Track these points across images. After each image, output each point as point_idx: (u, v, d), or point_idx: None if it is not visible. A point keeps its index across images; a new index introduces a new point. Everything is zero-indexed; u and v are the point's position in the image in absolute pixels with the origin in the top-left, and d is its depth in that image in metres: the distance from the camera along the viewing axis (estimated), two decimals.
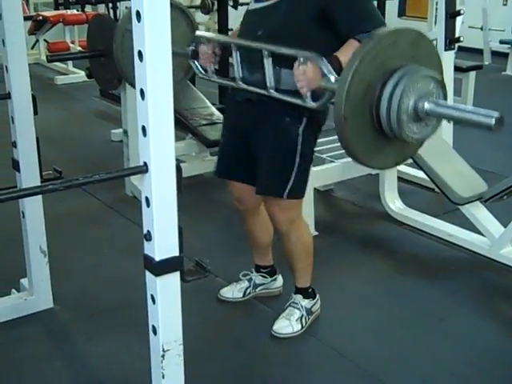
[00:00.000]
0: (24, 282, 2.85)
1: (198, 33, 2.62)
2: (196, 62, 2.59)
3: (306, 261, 2.67)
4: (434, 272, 3.20)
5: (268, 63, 2.24)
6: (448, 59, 3.93)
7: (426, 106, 1.82)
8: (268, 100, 2.33)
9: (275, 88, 2.28)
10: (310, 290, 2.74)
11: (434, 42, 4.56)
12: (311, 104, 2.17)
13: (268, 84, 2.26)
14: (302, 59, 2.13)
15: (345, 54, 2.16)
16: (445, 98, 1.90)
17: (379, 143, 1.90)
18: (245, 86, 2.38)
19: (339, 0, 2.29)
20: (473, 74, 5.80)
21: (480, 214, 3.34)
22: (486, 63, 7.69)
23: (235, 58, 2.39)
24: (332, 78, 2.05)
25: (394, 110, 1.80)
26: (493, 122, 1.75)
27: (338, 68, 2.13)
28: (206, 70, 2.59)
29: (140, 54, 1.51)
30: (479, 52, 7.96)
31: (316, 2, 2.29)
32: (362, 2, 2.32)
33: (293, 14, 2.32)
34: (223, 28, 5.04)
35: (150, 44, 1.49)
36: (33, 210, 2.66)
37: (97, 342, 2.63)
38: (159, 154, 1.57)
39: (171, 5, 2.65)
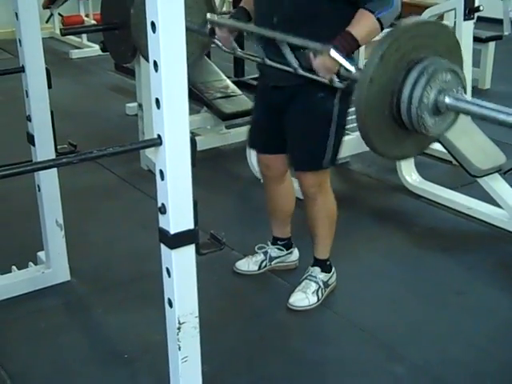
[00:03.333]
0: (41, 255, 2.87)
1: (209, 17, 2.59)
2: (217, 40, 2.58)
3: (329, 229, 2.66)
4: (452, 245, 3.18)
5: (287, 51, 2.24)
6: (467, 29, 3.86)
7: (447, 100, 1.80)
8: (297, 83, 2.34)
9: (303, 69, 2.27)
10: (328, 263, 2.74)
11: (453, 12, 4.49)
12: (338, 84, 2.18)
13: (294, 65, 2.26)
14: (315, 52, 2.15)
15: (357, 27, 2.16)
16: (465, 92, 1.87)
17: (398, 135, 1.89)
18: (272, 63, 2.36)
19: None
20: (492, 44, 5.72)
21: (498, 186, 3.31)
22: (506, 33, 7.54)
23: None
24: (352, 68, 2.06)
25: (415, 102, 1.78)
26: None
27: (355, 46, 2.14)
28: (231, 47, 2.57)
29: (153, 24, 1.49)
30: (499, 22, 7.80)
31: None
32: None
33: None
34: None
35: (162, 14, 1.47)
36: (48, 183, 2.66)
37: (114, 314, 2.65)
38: (173, 127, 1.56)
39: None
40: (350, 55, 2.18)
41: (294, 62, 2.25)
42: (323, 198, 2.60)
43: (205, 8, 2.76)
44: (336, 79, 2.17)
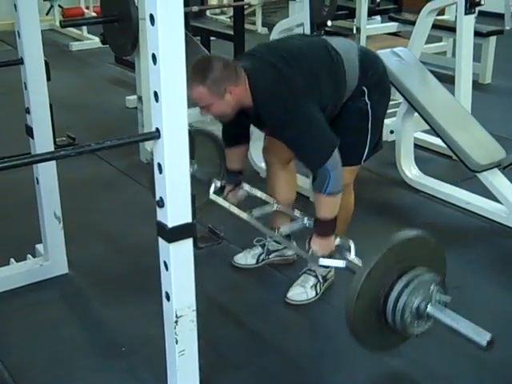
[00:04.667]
0: (39, 247, 2.87)
1: (212, 197, 2.71)
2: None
3: (341, 228, 2.66)
4: (451, 240, 3.17)
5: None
6: (468, 23, 3.85)
7: (429, 309, 2.03)
8: None
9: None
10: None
11: (454, 6, 4.48)
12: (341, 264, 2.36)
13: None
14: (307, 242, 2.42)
15: (321, 211, 2.37)
16: (445, 292, 2.09)
17: (384, 333, 2.13)
18: (258, 226, 2.58)
19: (288, 137, 2.35)
20: (493, 39, 5.70)
21: (498, 181, 3.30)
22: (507, 28, 7.48)
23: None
24: (341, 263, 2.34)
25: (399, 310, 2.02)
26: (484, 343, 1.93)
27: (329, 224, 2.38)
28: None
29: (152, 17, 1.49)
30: (500, 16, 7.77)
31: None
32: (304, 141, 2.31)
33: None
34: None
35: (161, 7, 1.46)
36: (47, 176, 2.66)
37: (112, 307, 2.65)
38: (171, 120, 1.56)
39: (201, 132, 2.92)
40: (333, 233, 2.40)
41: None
42: (347, 197, 2.60)
43: (217, 166, 2.90)
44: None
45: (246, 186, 2.75)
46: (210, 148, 2.90)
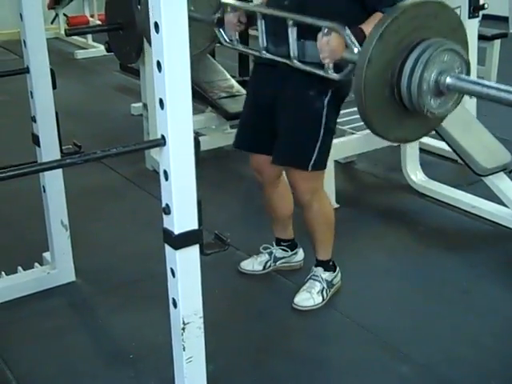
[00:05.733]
0: (46, 255, 2.88)
1: (223, 0, 2.57)
2: (221, 30, 2.56)
3: (327, 233, 2.67)
4: (457, 244, 3.17)
5: (292, 33, 2.21)
6: (472, 27, 3.85)
7: (448, 80, 1.77)
8: (292, 72, 2.31)
9: (299, 60, 2.25)
10: (330, 263, 2.74)
11: (458, 10, 4.48)
12: (334, 75, 2.14)
13: (292, 54, 2.24)
14: (325, 30, 2.09)
15: (369, 26, 2.09)
16: (468, 72, 1.85)
17: (399, 116, 1.87)
18: (269, 56, 2.35)
19: None
20: (497, 42, 5.69)
21: (504, 185, 3.29)
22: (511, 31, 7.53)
23: (260, 27, 2.35)
24: (355, 50, 2.01)
25: (415, 82, 1.76)
26: None
27: (362, 40, 2.06)
28: (230, 39, 2.55)
29: (156, 25, 1.49)
30: (504, 20, 7.77)
31: None
32: None
33: None
34: None
35: (166, 15, 1.47)
36: (53, 184, 2.67)
37: (119, 314, 2.65)
38: (177, 127, 1.56)
39: None
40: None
41: (294, 51, 2.23)
42: (318, 204, 2.59)
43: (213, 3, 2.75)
44: (332, 69, 2.14)
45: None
46: None
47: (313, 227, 2.65)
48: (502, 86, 1.71)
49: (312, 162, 2.45)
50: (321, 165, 2.49)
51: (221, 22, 2.54)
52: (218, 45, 5.33)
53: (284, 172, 2.65)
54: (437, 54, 1.77)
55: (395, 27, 1.77)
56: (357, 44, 2.03)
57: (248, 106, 2.64)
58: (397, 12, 1.81)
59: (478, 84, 1.75)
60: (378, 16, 2.13)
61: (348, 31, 2.05)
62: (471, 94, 1.81)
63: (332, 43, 2.10)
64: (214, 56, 4.67)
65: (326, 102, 2.38)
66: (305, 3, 2.28)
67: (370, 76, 1.75)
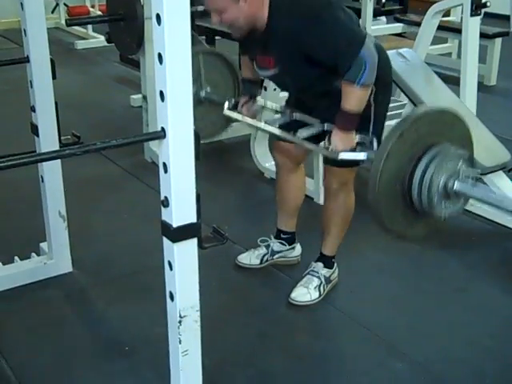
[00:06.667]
0: (44, 246, 2.87)
1: (226, 113, 2.60)
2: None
3: (342, 227, 2.67)
4: (455, 242, 3.17)
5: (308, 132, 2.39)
6: (474, 25, 3.84)
7: (456, 185, 1.86)
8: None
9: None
10: (332, 260, 2.74)
11: (460, 8, 4.47)
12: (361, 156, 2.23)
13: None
14: (327, 138, 2.30)
15: (348, 101, 2.24)
16: (475, 178, 1.92)
17: (407, 213, 1.95)
18: (286, 136, 2.42)
19: (312, 41, 2.24)
20: (499, 40, 5.69)
21: (503, 183, 3.29)
22: None
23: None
24: (363, 156, 2.20)
25: (426, 187, 1.85)
26: None
27: (354, 117, 2.25)
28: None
29: (158, 16, 1.48)
30: (506, 18, 7.75)
31: (301, 53, 2.27)
32: (334, 34, 2.24)
33: (300, 69, 2.34)
34: None
35: (168, 6, 1.46)
36: (52, 174, 2.66)
37: (115, 306, 2.65)
38: (177, 120, 1.55)
39: (216, 54, 2.78)
40: (356, 128, 2.28)
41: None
42: (345, 196, 2.60)
43: (231, 86, 2.81)
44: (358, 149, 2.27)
45: (261, 101, 2.64)
46: (223, 69, 2.79)
47: (330, 218, 2.65)
48: (507, 197, 1.76)
49: None
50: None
51: (236, 106, 2.62)
52: (218, 38, 5.29)
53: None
54: (448, 159, 1.86)
55: (415, 127, 1.86)
56: (359, 157, 2.22)
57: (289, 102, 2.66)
58: (419, 114, 1.93)
59: (484, 191, 1.87)
60: (345, 90, 2.24)
61: (344, 155, 2.23)
62: (477, 200, 1.90)
63: (341, 144, 2.25)
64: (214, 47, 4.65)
65: (372, 98, 2.38)
66: (305, 88, 2.43)
67: (385, 170, 1.84)
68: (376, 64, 2.23)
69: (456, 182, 1.84)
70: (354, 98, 2.25)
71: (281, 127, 2.47)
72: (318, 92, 2.43)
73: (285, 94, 2.73)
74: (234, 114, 2.57)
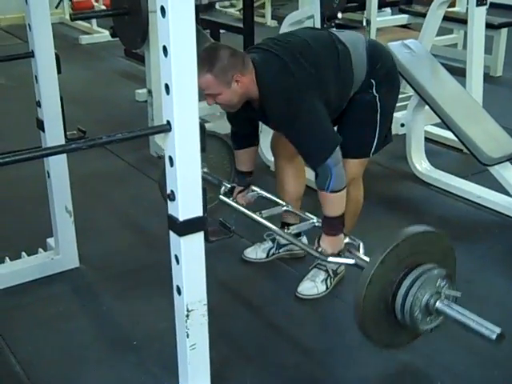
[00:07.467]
0: (50, 241, 2.88)
1: (222, 198, 2.72)
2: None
3: (350, 221, 2.66)
4: (461, 234, 3.16)
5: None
6: (479, 15, 3.82)
7: (438, 305, 2.02)
8: None
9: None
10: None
11: None
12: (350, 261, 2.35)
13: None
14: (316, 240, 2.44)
15: (327, 209, 2.38)
16: (455, 298, 2.08)
17: (391, 327, 2.11)
18: (268, 225, 2.57)
19: (291, 133, 2.36)
20: (504, 31, 5.66)
21: (509, 175, 3.28)
22: None
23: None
24: (350, 261, 2.35)
25: (408, 308, 2.01)
26: (493, 337, 1.93)
27: (337, 220, 2.38)
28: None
29: (163, 9, 1.48)
30: (511, 8, 7.73)
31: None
32: (308, 135, 2.31)
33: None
34: None
35: None
36: (58, 169, 2.66)
37: (122, 301, 2.65)
38: (182, 113, 1.55)
39: (215, 136, 2.89)
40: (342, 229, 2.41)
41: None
42: (355, 190, 2.61)
43: (228, 168, 2.96)
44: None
45: (256, 188, 2.76)
46: (220, 151, 2.92)
47: None
48: (484, 322, 1.96)
49: (373, 149, 2.53)
50: (379, 148, 2.57)
51: (232, 191, 2.74)
52: (223, 31, 5.27)
53: None
54: (430, 279, 2.02)
55: (395, 253, 2.00)
56: (345, 261, 2.37)
57: None
58: (399, 238, 2.03)
59: (463, 315, 2.01)
60: (320, 196, 2.36)
61: (333, 259, 2.38)
62: (455, 321, 2.04)
63: (330, 247, 2.38)
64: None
65: (374, 91, 2.44)
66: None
67: (369, 295, 1.99)
68: (342, 171, 2.34)
69: (438, 302, 2.02)
70: (330, 203, 2.37)
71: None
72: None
73: None
74: (228, 201, 2.69)
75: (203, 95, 2.24)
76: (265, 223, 2.58)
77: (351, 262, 2.32)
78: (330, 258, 2.36)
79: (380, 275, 1.98)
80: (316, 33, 2.67)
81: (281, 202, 2.74)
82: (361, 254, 2.34)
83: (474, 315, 2.00)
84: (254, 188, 2.77)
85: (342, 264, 2.54)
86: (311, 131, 2.31)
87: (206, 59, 2.26)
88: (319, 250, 2.39)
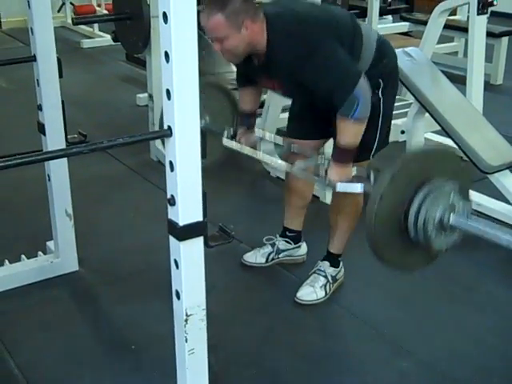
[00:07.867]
0: (50, 244, 2.88)
1: (225, 143, 2.62)
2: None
3: (351, 225, 2.66)
4: (461, 242, 3.14)
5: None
6: (480, 24, 3.84)
7: (452, 219, 1.89)
8: None
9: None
10: (338, 259, 2.74)
11: (466, 6, 4.45)
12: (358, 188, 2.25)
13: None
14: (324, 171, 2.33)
15: (343, 137, 2.26)
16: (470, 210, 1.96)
17: (405, 248, 2.00)
18: (276, 163, 2.51)
19: (306, 75, 2.26)
20: (505, 39, 5.68)
21: (509, 182, 3.28)
22: None
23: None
24: (359, 189, 2.22)
25: (421, 225, 1.89)
26: None
27: (349, 152, 2.28)
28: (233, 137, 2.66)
29: (165, 15, 1.48)
30: None
31: (300, 82, 2.30)
32: (328, 71, 2.24)
33: (303, 93, 2.41)
34: None
35: (175, 5, 1.46)
36: (58, 173, 2.67)
37: (121, 305, 2.65)
38: (183, 118, 1.55)
39: (215, 85, 2.80)
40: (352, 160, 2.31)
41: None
42: (353, 194, 2.59)
43: (230, 115, 2.81)
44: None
45: (259, 131, 2.68)
46: (222, 100, 2.80)
47: (341, 214, 2.65)
48: (505, 231, 1.83)
49: (373, 151, 2.51)
50: (379, 150, 2.55)
51: (235, 136, 2.64)
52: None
53: None
54: (442, 194, 1.89)
55: (405, 170, 1.91)
56: (356, 190, 2.23)
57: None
58: (408, 156, 1.97)
59: (479, 224, 1.88)
60: (341, 122, 2.25)
61: (341, 186, 2.25)
62: (472, 233, 1.91)
63: (339, 176, 2.27)
64: None
65: (380, 93, 2.41)
66: (293, 93, 2.52)
67: (380, 211, 1.89)
68: (370, 100, 2.24)
69: (451, 216, 1.88)
70: (349, 132, 2.26)
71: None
72: (322, 108, 2.44)
73: (285, 115, 2.80)
74: (232, 144, 2.61)
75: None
76: (269, 160, 2.51)
77: (359, 189, 2.21)
78: (338, 186, 2.25)
79: (391, 192, 1.88)
80: (337, 8, 2.64)
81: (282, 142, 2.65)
82: (371, 182, 2.21)
83: (492, 225, 1.87)
84: (257, 131, 2.67)
85: (350, 191, 2.33)
86: (334, 62, 2.23)
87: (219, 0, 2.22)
88: (327, 180, 2.31)
